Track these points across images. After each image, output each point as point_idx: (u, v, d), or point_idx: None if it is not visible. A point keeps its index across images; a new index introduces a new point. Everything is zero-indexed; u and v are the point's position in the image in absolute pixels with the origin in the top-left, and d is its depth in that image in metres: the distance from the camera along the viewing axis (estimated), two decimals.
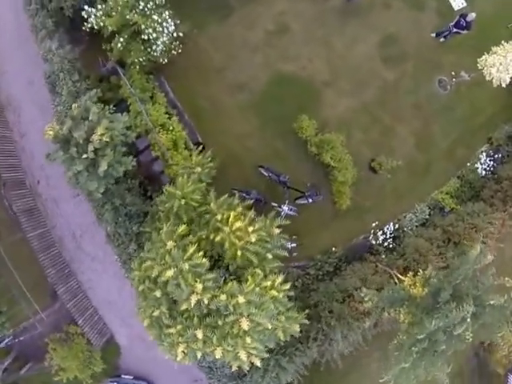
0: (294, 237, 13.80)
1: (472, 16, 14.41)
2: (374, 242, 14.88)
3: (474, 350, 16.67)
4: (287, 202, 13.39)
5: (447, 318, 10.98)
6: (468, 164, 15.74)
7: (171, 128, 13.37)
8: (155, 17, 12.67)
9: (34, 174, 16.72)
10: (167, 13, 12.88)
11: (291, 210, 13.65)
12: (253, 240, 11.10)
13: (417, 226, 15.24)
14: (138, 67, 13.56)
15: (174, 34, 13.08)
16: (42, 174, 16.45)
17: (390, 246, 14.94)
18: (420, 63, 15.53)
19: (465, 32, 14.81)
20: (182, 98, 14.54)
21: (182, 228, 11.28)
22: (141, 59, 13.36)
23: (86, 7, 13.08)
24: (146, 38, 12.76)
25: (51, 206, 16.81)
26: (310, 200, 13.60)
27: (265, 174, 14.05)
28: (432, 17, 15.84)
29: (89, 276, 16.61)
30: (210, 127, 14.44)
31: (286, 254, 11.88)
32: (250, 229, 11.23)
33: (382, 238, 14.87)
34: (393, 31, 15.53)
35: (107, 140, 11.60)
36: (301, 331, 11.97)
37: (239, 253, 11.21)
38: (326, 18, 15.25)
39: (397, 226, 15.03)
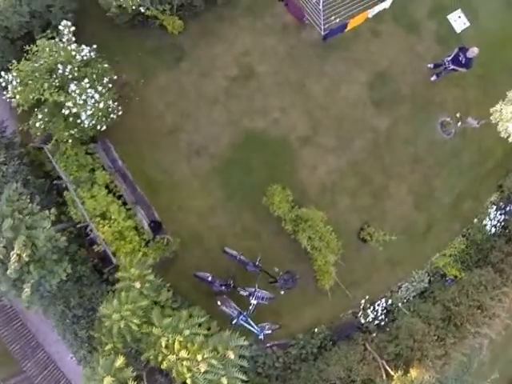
0: (267, 324, 12.06)
1: (474, 52, 11.46)
2: (363, 321, 12.90)
3: None
4: (255, 295, 11.40)
5: None
6: (475, 220, 13.35)
7: (113, 217, 11.08)
8: (73, 86, 10.11)
9: None
10: (87, 80, 10.25)
11: (263, 298, 11.71)
12: (202, 370, 9.40)
13: (414, 297, 13.22)
14: (70, 140, 11.14)
15: (101, 105, 10.47)
16: None
17: (382, 323, 12.96)
18: (418, 104, 12.77)
19: (463, 70, 11.96)
20: (132, 167, 12.11)
21: (120, 361, 9.56)
22: (72, 132, 10.96)
23: (2, 73, 10.48)
24: (66, 112, 10.29)
25: None
26: (282, 292, 11.56)
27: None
28: (431, 43, 12.86)
29: (56, 348, 15.04)
30: (167, 201, 12.09)
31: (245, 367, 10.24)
32: (199, 357, 9.45)
33: (372, 315, 12.87)
34: (384, 66, 12.64)
35: (27, 259, 9.50)
36: None
37: (189, 381, 9.53)
38: (300, 56, 12.36)
39: (390, 301, 12.95)
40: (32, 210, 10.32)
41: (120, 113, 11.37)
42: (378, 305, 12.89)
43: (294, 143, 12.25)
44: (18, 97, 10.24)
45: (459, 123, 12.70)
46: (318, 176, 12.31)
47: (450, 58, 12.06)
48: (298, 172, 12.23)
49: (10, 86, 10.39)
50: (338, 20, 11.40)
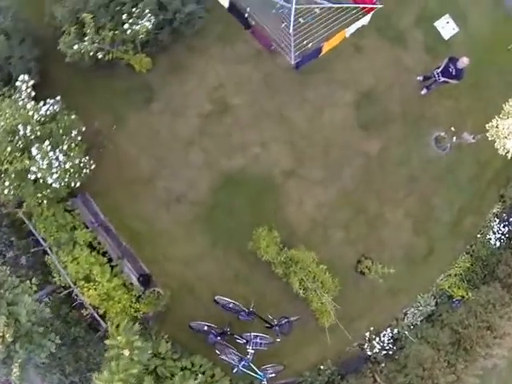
0: (270, 367, 11.55)
1: (464, 62, 10.72)
2: (370, 353, 12.37)
3: None
4: (252, 342, 10.93)
5: None
6: (478, 236, 12.61)
7: (98, 279, 10.57)
8: (34, 150, 9.43)
9: None
10: (48, 142, 9.53)
11: (261, 344, 11.22)
12: None
13: (421, 321, 12.62)
14: (45, 201, 10.58)
15: (67, 165, 9.80)
16: None
17: (390, 352, 12.42)
18: (409, 121, 11.92)
19: (454, 81, 11.15)
20: (114, 220, 11.47)
21: None
22: (44, 193, 10.40)
23: None
24: (33, 177, 9.68)
25: None
26: (278, 339, 11.01)
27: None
28: (419, 54, 11.90)
29: None
30: (152, 252, 11.48)
31: None
32: None
33: (379, 346, 12.33)
34: (370, 84, 11.75)
35: (11, 339, 9.12)
36: None
37: None
38: (277, 83, 11.50)
39: (396, 330, 12.39)
40: (12, 283, 9.90)
41: (93, 166, 10.68)
42: (384, 335, 12.33)
43: (277, 178, 11.50)
44: None
45: (454, 137, 11.84)
46: (307, 211, 11.58)
47: (439, 70, 11.18)
48: (284, 209, 11.50)
49: None
50: (310, 44, 10.37)
